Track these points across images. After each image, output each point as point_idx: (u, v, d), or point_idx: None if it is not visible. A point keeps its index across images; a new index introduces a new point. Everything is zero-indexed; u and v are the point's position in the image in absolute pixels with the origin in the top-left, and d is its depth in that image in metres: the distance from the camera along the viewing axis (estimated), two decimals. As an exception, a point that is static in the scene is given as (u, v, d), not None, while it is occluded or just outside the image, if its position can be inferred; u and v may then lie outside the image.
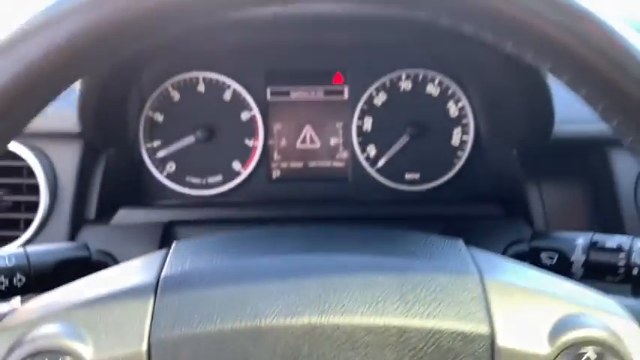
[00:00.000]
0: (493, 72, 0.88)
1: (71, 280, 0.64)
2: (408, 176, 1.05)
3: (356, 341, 0.38)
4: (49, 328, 0.37)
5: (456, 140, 1.05)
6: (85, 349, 0.36)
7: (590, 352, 0.37)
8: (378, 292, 0.40)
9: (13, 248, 0.63)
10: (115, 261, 0.72)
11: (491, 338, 0.38)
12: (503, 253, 0.74)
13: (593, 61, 0.35)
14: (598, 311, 0.40)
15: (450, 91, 1.05)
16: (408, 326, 0.38)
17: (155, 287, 0.41)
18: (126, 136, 1.01)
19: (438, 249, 0.48)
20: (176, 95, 1.03)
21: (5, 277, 0.58)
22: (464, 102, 1.04)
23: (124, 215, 0.87)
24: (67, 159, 0.87)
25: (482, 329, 0.39)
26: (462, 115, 1.05)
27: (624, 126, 0.38)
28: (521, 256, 0.71)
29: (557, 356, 0.37)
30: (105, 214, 0.88)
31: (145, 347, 0.37)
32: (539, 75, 0.79)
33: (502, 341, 0.38)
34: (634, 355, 0.37)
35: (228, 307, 0.39)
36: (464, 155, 1.05)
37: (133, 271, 0.44)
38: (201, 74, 1.03)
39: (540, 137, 0.84)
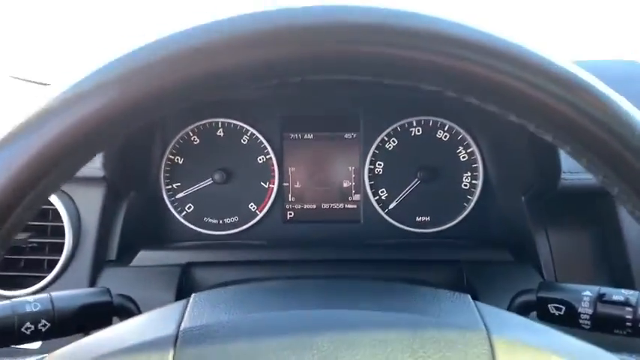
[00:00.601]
0: (500, 121, 0.90)
1: (93, 325, 0.66)
2: (418, 219, 1.07)
3: None
4: None
5: (465, 184, 1.07)
6: None
7: None
8: (390, 349, 0.41)
9: (39, 294, 0.65)
10: (135, 304, 0.73)
11: None
12: (511, 302, 0.73)
13: (594, 134, 0.37)
14: None
15: (459, 137, 1.07)
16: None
17: (175, 339, 0.41)
18: (147, 180, 1.04)
19: (446, 304, 0.49)
20: (196, 139, 1.07)
21: (31, 323, 0.61)
22: (473, 147, 1.06)
23: (144, 257, 0.89)
24: (91, 202, 0.90)
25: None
26: (471, 159, 1.06)
27: (625, 195, 0.40)
28: (528, 306, 0.71)
29: None
30: (125, 255, 0.90)
31: None
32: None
33: None
34: None
35: None
36: (473, 199, 1.06)
37: (153, 323, 0.46)
38: (220, 120, 1.07)
39: (547, 185, 0.85)
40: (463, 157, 1.05)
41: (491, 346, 0.43)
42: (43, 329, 0.62)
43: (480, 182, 1.04)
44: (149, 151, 1.01)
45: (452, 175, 1.04)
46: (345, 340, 0.43)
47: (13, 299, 0.61)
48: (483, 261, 0.88)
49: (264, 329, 0.45)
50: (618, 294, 0.62)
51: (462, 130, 1.06)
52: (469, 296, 0.50)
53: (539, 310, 0.69)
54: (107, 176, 0.86)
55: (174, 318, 0.46)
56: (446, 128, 1.07)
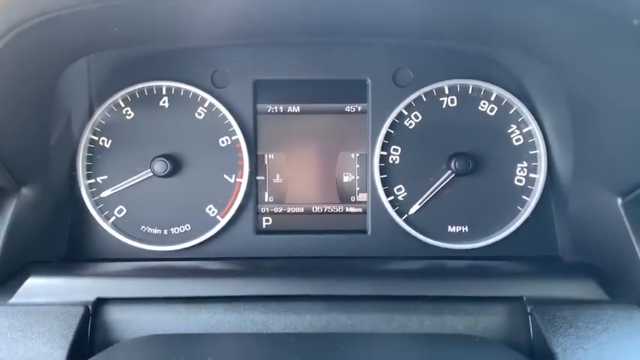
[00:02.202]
0: (586, 76, 0.63)
1: None
2: (452, 229, 0.84)
3: None
4: None
5: (520, 179, 0.83)
6: None
7: None
8: None
9: None
10: None
11: None
12: None
13: None
14: None
15: (511, 110, 0.83)
16: None
17: None
18: (53, 170, 0.77)
19: None
20: (130, 112, 0.83)
21: None
22: (532, 125, 0.82)
23: (33, 288, 0.66)
24: None
25: None
26: (528, 143, 0.82)
27: None
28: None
29: None
30: (6, 285, 0.66)
31: None
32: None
33: None
34: None
35: None
36: (532, 200, 0.82)
37: None
38: (164, 84, 0.83)
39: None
40: (517, 140, 0.83)
41: None
42: None
43: (541, 176, 0.82)
44: (42, 120, 0.74)
45: (500, 166, 0.83)
46: None
47: None
48: (559, 299, 0.64)
49: None
50: None
51: (515, 100, 0.82)
52: None
53: None
54: None
55: None
56: (492, 98, 0.83)
